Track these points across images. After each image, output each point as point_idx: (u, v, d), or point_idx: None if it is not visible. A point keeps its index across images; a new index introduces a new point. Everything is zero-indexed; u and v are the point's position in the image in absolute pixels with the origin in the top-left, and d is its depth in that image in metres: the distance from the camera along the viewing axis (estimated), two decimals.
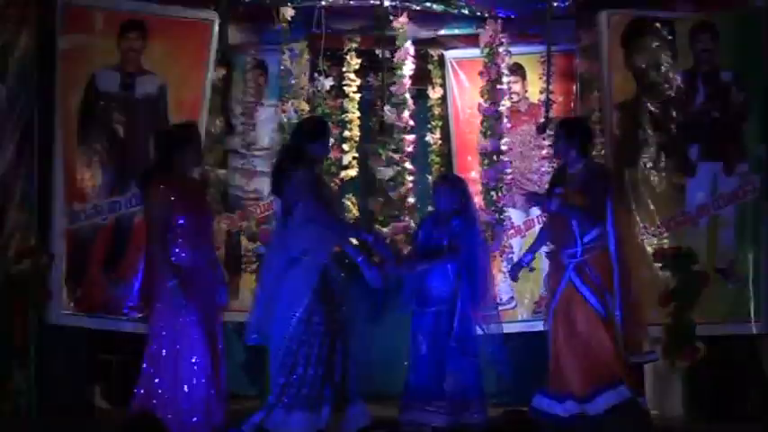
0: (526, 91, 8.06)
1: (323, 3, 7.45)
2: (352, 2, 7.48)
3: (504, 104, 7.72)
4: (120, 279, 7.22)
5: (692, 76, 7.27)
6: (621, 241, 6.45)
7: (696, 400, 6.91)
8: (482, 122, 7.72)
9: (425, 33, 7.89)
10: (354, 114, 8.14)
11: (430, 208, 7.43)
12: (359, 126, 8.15)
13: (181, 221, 5.69)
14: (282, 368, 5.70)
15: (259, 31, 7.55)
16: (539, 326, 7.81)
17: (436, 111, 8.35)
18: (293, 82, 7.55)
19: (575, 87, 7.73)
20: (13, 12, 7.02)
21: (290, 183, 5.74)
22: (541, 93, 7.69)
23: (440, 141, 8.34)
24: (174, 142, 5.84)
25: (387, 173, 7.70)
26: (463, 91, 8.14)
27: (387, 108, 7.64)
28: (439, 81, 8.33)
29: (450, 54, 8.19)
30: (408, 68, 7.74)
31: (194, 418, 5.64)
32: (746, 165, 7.19)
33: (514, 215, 7.87)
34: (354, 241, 6.17)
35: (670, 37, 7.26)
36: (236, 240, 7.73)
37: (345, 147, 8.10)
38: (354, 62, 8.07)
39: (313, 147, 5.88)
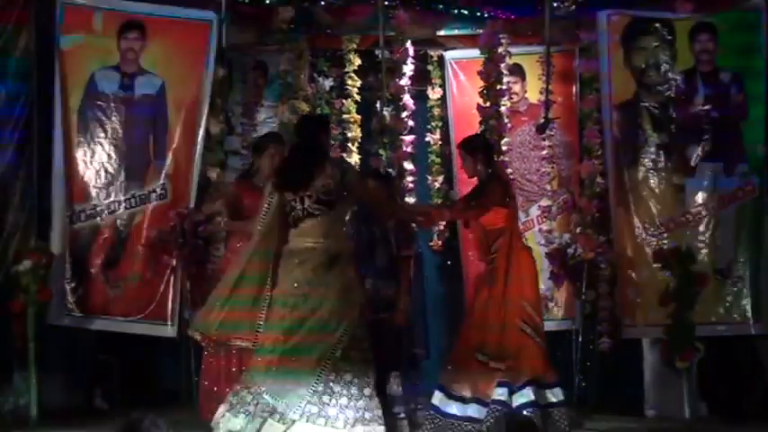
0: (525, 91, 8.06)
1: (322, 3, 7.45)
2: (353, 4, 7.49)
3: (504, 105, 7.72)
4: (119, 279, 7.22)
5: (692, 76, 7.28)
6: None
7: (696, 400, 6.90)
8: (482, 123, 7.71)
9: (425, 34, 7.88)
10: (355, 115, 8.14)
11: None
12: (359, 127, 8.15)
13: None
14: None
15: (259, 31, 7.54)
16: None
17: (436, 111, 8.34)
18: (293, 82, 7.54)
19: (575, 87, 7.72)
20: (13, 12, 7.04)
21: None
22: (541, 93, 7.67)
23: (439, 142, 8.32)
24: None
25: None
26: (463, 91, 8.14)
27: (386, 109, 7.63)
28: (438, 82, 8.32)
29: (449, 54, 8.19)
30: (408, 69, 7.74)
31: None
32: (746, 165, 7.19)
33: None
34: None
35: (670, 37, 7.27)
36: None
37: (350, 147, 8.08)
38: (355, 62, 8.07)
39: (326, 141, 5.76)
